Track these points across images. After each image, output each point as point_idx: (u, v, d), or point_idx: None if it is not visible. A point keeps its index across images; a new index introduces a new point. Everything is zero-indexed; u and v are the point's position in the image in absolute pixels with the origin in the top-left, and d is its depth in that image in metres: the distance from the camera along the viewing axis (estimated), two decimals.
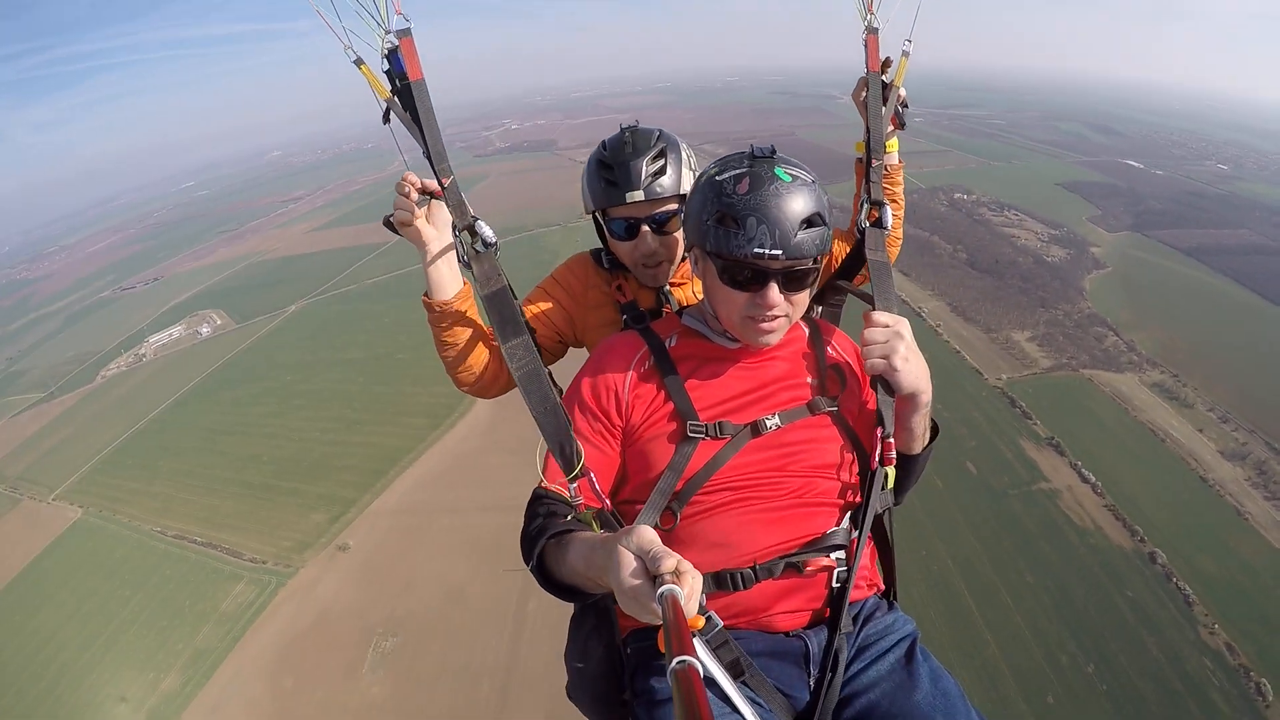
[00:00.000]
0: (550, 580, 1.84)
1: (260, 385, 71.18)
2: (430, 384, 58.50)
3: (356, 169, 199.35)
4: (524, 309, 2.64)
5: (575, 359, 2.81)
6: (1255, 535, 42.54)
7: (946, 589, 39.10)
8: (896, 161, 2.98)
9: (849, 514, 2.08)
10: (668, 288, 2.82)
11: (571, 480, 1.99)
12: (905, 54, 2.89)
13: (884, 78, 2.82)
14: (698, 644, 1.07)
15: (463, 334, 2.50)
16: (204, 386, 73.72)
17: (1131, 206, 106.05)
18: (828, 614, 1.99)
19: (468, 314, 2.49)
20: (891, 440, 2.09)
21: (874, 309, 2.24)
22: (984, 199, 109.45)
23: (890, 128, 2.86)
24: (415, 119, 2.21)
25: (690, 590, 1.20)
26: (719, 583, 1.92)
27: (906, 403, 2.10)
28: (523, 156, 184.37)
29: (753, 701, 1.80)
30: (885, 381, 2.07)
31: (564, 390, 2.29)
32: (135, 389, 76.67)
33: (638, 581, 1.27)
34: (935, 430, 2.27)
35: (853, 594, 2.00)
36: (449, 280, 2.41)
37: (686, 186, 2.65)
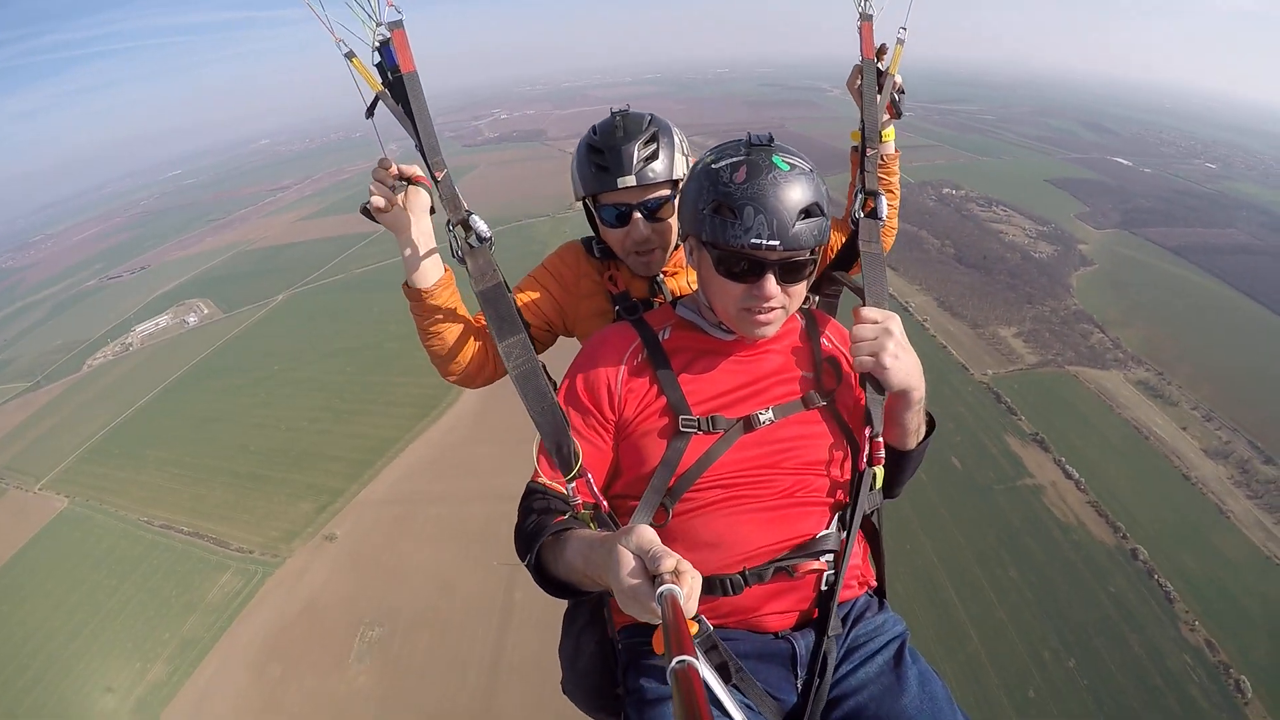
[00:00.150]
0: (547, 578, 1.82)
1: (248, 375, 70.61)
2: (418, 374, 58.07)
3: (345, 158, 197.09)
4: (514, 298, 2.56)
5: (565, 346, 2.81)
6: (1237, 533, 42.91)
7: (930, 583, 39.28)
8: (893, 151, 2.92)
9: (839, 514, 2.04)
10: (661, 277, 2.77)
11: (570, 481, 1.97)
12: (900, 41, 2.82)
13: (879, 65, 2.76)
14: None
15: (446, 323, 2.46)
16: (191, 376, 73.11)
17: (1120, 204, 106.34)
18: (816, 614, 1.98)
19: (451, 302, 2.45)
20: (880, 440, 2.05)
21: (864, 304, 2.22)
22: (973, 194, 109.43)
23: (886, 116, 2.82)
24: (407, 112, 2.16)
25: (690, 590, 1.21)
26: (709, 588, 1.88)
27: (898, 400, 2.07)
28: (512, 146, 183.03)
29: (744, 705, 1.79)
30: (875, 379, 2.03)
31: (558, 384, 2.25)
32: (122, 378, 75.95)
33: (637, 581, 1.28)
34: (931, 425, 2.24)
35: (842, 593, 1.98)
36: (429, 267, 2.37)
37: (679, 172, 2.61)
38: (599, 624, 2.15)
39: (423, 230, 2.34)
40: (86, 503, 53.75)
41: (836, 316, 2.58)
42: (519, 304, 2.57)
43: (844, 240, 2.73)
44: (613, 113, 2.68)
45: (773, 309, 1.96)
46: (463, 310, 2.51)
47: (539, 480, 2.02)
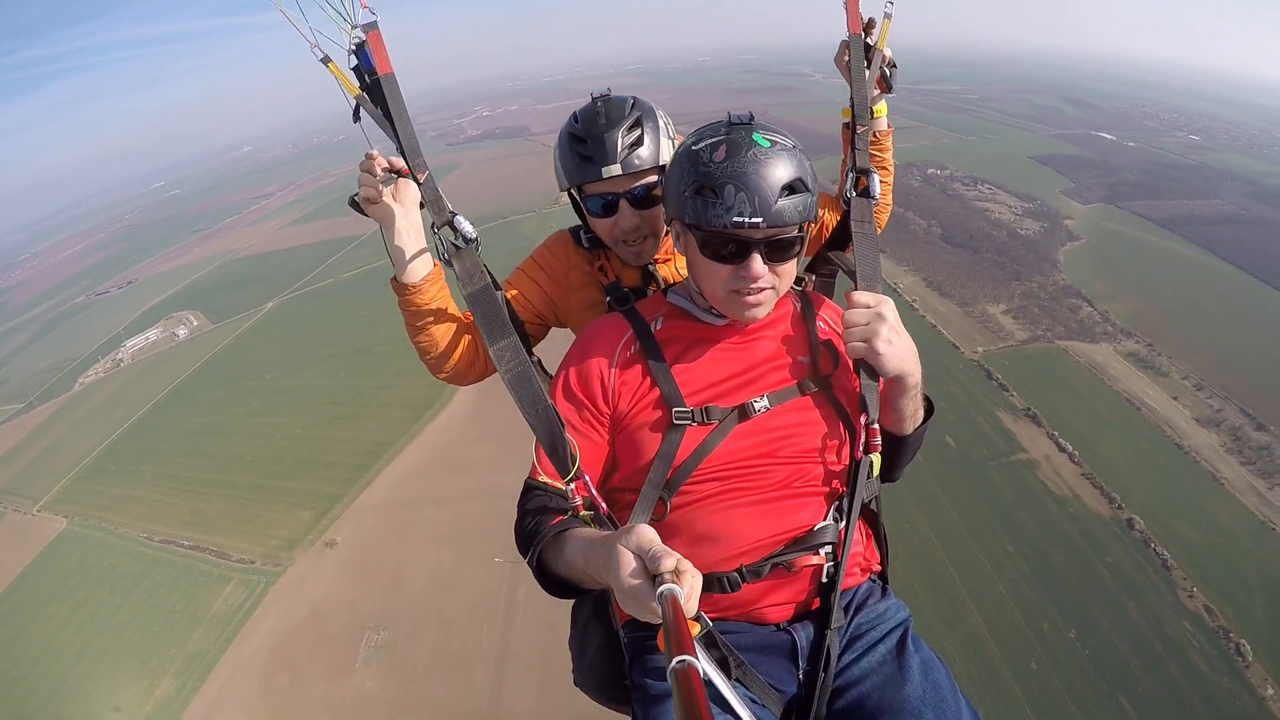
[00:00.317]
0: (548, 577, 1.81)
1: (240, 385, 70.25)
2: (410, 376, 57.82)
3: (328, 162, 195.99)
4: (504, 294, 2.50)
5: (560, 338, 2.78)
6: (1231, 500, 43.31)
7: (929, 561, 39.51)
8: (885, 127, 2.88)
9: (837, 503, 2.00)
10: (652, 265, 2.69)
11: (568, 483, 1.95)
12: (888, 15, 2.77)
13: (867, 40, 2.71)
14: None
15: (436, 319, 2.40)
16: (184, 389, 72.67)
17: (1105, 178, 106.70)
18: (816, 604, 1.95)
19: (440, 297, 2.40)
20: (876, 427, 2.01)
21: (856, 287, 2.19)
22: (957, 174, 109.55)
23: (876, 91, 2.78)
24: (387, 115, 2.12)
25: (690, 589, 1.21)
26: (706, 585, 1.81)
27: (893, 386, 2.03)
28: (495, 143, 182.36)
29: (748, 699, 1.79)
30: (869, 366, 1.99)
31: (550, 376, 2.21)
32: (114, 395, 75.40)
33: (637, 581, 1.28)
34: (930, 409, 2.18)
35: (844, 581, 1.94)
36: (418, 262, 2.32)
37: (666, 156, 2.50)
38: (604, 617, 2.15)
39: (412, 223, 2.29)
40: (86, 522, 53.46)
41: (833, 297, 2.55)
42: (509, 299, 2.53)
43: (837, 220, 2.69)
44: (594, 98, 2.58)
45: (761, 289, 1.92)
46: (452, 307, 2.45)
47: (538, 477, 1.99)
